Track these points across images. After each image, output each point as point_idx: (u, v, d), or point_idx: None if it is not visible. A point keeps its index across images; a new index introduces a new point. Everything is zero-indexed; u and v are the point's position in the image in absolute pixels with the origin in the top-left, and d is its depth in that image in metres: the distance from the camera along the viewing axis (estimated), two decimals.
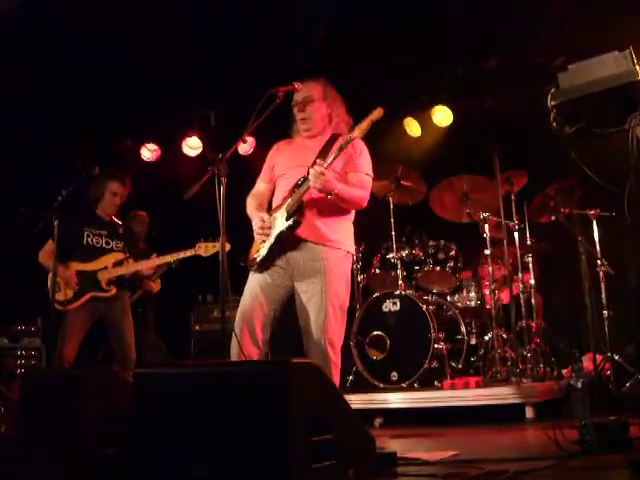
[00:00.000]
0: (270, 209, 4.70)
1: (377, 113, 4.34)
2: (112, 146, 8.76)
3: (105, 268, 6.39)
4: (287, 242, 4.47)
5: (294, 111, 4.75)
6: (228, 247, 5.66)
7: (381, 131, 4.48)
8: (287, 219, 4.42)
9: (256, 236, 4.60)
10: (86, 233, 6.45)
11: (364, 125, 4.34)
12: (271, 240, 4.48)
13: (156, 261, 6.50)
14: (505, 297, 7.00)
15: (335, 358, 4.41)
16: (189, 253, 6.34)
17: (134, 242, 6.75)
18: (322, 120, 4.72)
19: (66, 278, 6.27)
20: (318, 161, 4.36)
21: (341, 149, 4.37)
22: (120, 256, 6.49)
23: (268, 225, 4.52)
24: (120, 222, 6.68)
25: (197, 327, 8.11)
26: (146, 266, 6.53)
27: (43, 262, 6.37)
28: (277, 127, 4.88)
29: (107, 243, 6.51)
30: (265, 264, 4.52)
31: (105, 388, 3.71)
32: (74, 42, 7.02)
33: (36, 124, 7.87)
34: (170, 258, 6.46)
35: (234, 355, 4.36)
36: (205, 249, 6.24)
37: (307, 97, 4.68)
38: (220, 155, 4.29)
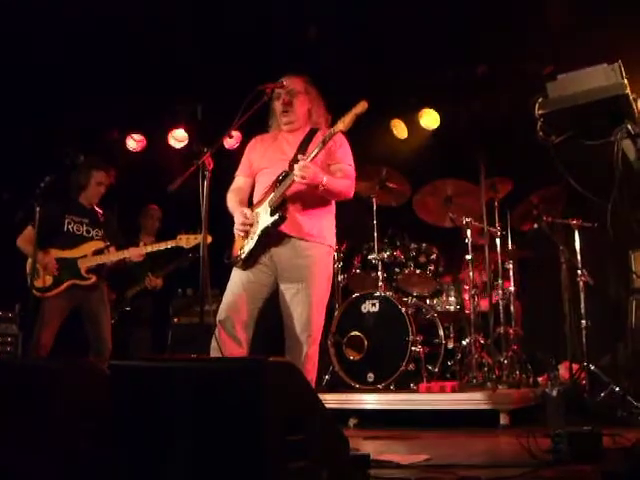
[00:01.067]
0: (251, 204, 4.68)
1: (361, 107, 4.32)
2: (98, 135, 8.71)
3: (85, 256, 6.37)
4: (271, 238, 4.47)
5: (275, 104, 4.73)
6: (209, 240, 5.67)
7: (367, 132, 4.47)
8: (271, 214, 4.41)
9: (236, 232, 4.58)
10: (67, 220, 6.43)
11: (347, 119, 4.32)
12: (255, 237, 4.47)
13: (141, 249, 6.48)
14: (485, 304, 7.01)
15: (314, 355, 4.42)
16: (170, 244, 6.35)
17: (115, 231, 6.73)
18: (303, 115, 4.72)
19: (46, 264, 6.25)
20: (300, 156, 4.36)
21: (324, 142, 4.36)
22: (100, 244, 6.47)
23: (250, 221, 4.51)
24: (101, 211, 6.66)
25: (175, 320, 8.08)
26: (131, 254, 6.49)
27: (21, 247, 6.35)
28: (264, 123, 4.88)
29: (87, 231, 6.49)
30: (249, 261, 4.51)
31: (79, 380, 3.69)
32: (62, 28, 6.98)
33: (21, 111, 7.82)
34: (153, 248, 6.45)
35: (214, 352, 4.35)
36: (186, 241, 6.25)
37: (290, 90, 4.67)
38: (205, 149, 4.28)
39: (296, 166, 4.30)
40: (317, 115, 4.74)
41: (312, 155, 4.37)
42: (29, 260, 6.23)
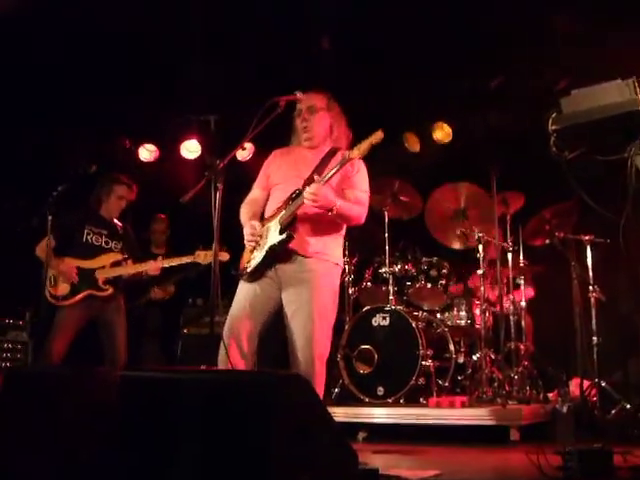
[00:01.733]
0: (263, 218, 4.69)
1: (377, 136, 4.31)
2: (111, 145, 8.73)
3: (103, 267, 6.41)
4: (278, 255, 4.46)
5: (296, 120, 4.75)
6: (227, 257, 5.71)
7: (380, 145, 4.45)
8: (280, 232, 4.41)
9: (246, 243, 4.59)
10: (86, 231, 6.49)
11: (363, 147, 4.32)
12: (263, 252, 4.46)
13: (158, 263, 6.51)
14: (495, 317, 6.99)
15: (320, 370, 4.39)
16: (188, 260, 6.39)
17: (133, 244, 6.79)
18: (324, 131, 4.71)
19: (65, 272, 6.30)
20: (315, 177, 4.36)
21: (341, 166, 4.36)
22: (118, 257, 6.53)
23: (259, 233, 4.51)
24: (120, 224, 6.71)
25: (185, 330, 8.08)
26: (148, 267, 6.51)
27: (40, 256, 6.37)
28: (277, 135, 4.88)
29: (106, 243, 6.54)
30: (255, 275, 4.51)
31: (89, 387, 3.69)
32: (77, 39, 7.00)
33: (36, 122, 7.86)
34: (170, 263, 6.49)
35: (221, 365, 4.34)
36: (204, 257, 6.28)
37: (311, 106, 4.68)
38: (217, 161, 4.28)
39: (308, 188, 4.30)
40: (338, 133, 4.72)
41: (326, 178, 4.37)
42: (48, 268, 6.28)
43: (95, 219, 6.60)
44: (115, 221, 6.69)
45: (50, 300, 6.29)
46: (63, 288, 6.35)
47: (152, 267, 6.50)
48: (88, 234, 6.49)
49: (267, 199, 4.77)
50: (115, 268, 6.46)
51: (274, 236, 4.44)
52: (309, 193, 4.25)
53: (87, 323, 6.45)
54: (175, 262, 6.48)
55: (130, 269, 6.51)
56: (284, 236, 4.37)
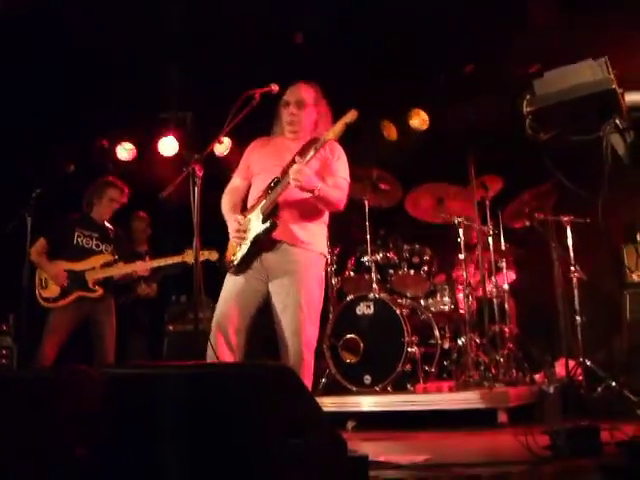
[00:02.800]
0: (245, 208, 4.69)
1: (351, 115, 4.34)
2: (88, 145, 8.70)
3: (93, 269, 6.43)
4: (263, 244, 4.47)
5: (281, 110, 4.75)
6: (215, 256, 5.74)
7: (358, 133, 4.47)
8: (263, 221, 4.42)
9: (232, 239, 4.59)
10: (77, 234, 6.53)
11: (337, 128, 4.34)
12: (247, 243, 4.48)
13: (148, 264, 6.52)
14: (478, 301, 7.02)
15: (309, 359, 4.42)
16: (176, 260, 6.40)
17: (124, 245, 6.81)
18: (310, 125, 4.73)
19: (55, 274, 6.32)
20: (297, 158, 4.36)
21: (316, 150, 4.36)
22: (109, 258, 6.56)
23: (244, 228, 4.52)
24: (111, 226, 6.72)
25: (170, 327, 8.07)
26: (138, 268, 6.53)
27: (34, 260, 6.36)
28: (254, 128, 4.88)
29: (97, 245, 6.58)
30: (242, 267, 4.52)
31: (75, 387, 3.68)
32: (51, 40, 6.98)
33: (11, 124, 7.81)
34: (159, 263, 6.49)
35: (209, 358, 4.35)
36: (192, 257, 6.27)
37: (300, 100, 4.69)
38: (195, 156, 4.28)
39: (291, 169, 4.31)
40: (323, 127, 4.72)
41: (307, 159, 4.37)
42: (38, 270, 6.40)
43: (86, 222, 6.63)
44: (106, 224, 6.71)
45: (41, 302, 6.33)
46: (53, 290, 6.39)
47: (141, 267, 6.53)
48: (79, 237, 6.53)
49: (248, 188, 4.77)
50: (105, 269, 6.49)
51: (257, 226, 4.45)
52: (293, 172, 4.26)
53: (78, 324, 6.45)
54: (164, 262, 6.50)
55: (120, 270, 6.54)
56: (267, 224, 4.38)
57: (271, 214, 4.42)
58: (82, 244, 6.53)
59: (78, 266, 6.45)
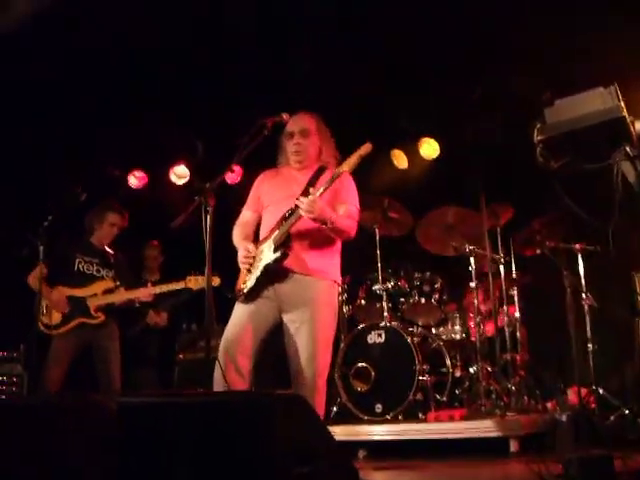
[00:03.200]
0: (257, 240, 4.71)
1: (365, 148, 4.38)
2: (100, 173, 8.74)
3: (95, 295, 6.42)
4: (274, 274, 4.48)
5: (285, 141, 4.79)
6: (217, 282, 5.71)
7: (368, 163, 4.49)
8: (274, 251, 4.43)
9: (241, 265, 4.61)
10: (78, 260, 6.52)
11: (352, 160, 4.38)
12: (257, 272, 4.49)
13: (150, 290, 6.51)
14: (490, 330, 7.00)
15: (322, 387, 4.43)
16: (179, 286, 6.40)
17: (124, 271, 6.79)
18: (314, 154, 4.76)
19: (56, 301, 6.31)
20: (311, 190, 4.40)
21: (332, 181, 4.40)
22: (110, 284, 6.54)
23: (252, 254, 4.54)
24: (112, 252, 6.72)
25: (181, 356, 8.06)
26: (140, 294, 6.52)
27: (32, 284, 6.37)
28: (265, 157, 4.90)
29: (98, 271, 6.56)
30: (252, 295, 4.53)
31: (86, 416, 3.68)
32: (63, 65, 7.02)
33: (23, 153, 7.87)
34: (161, 289, 6.49)
35: (217, 385, 4.35)
36: (195, 282, 6.30)
37: (304, 130, 4.73)
38: (207, 184, 4.30)
39: (304, 200, 4.33)
40: (327, 154, 4.79)
41: (320, 190, 4.40)
42: (40, 298, 6.29)
43: (86, 247, 6.63)
44: (106, 249, 6.71)
45: (43, 329, 6.30)
46: (55, 317, 6.36)
47: (144, 294, 6.52)
48: (80, 263, 6.52)
49: (258, 221, 4.80)
50: (107, 295, 6.48)
51: (268, 255, 4.46)
52: (307, 204, 4.28)
53: (81, 350, 6.44)
54: (166, 288, 6.49)
55: (122, 296, 6.52)
56: (278, 254, 4.40)
57: (283, 244, 4.44)
58: (83, 270, 6.53)
59: (79, 292, 6.45)
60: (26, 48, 6.66)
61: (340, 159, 4.71)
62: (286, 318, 4.50)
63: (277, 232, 4.50)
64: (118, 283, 6.58)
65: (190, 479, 2.82)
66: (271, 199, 4.73)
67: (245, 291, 4.54)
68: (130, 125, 7.92)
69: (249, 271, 4.57)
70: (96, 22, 6.53)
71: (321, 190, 4.40)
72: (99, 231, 6.66)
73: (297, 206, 4.41)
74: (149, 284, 6.66)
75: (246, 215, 4.87)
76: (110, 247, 6.77)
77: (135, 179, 9.08)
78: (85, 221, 6.71)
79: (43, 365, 6.28)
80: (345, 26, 6.76)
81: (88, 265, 6.54)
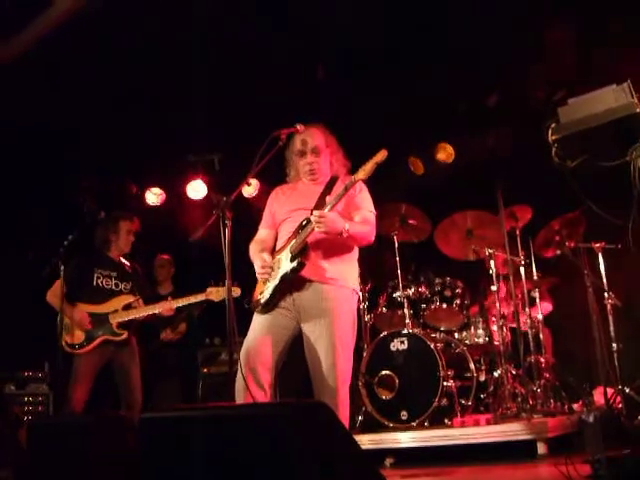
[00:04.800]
0: (274, 251, 4.72)
1: (381, 155, 4.36)
2: (117, 191, 8.79)
3: (116, 311, 6.42)
4: (292, 283, 4.48)
5: (296, 159, 4.79)
6: (238, 292, 5.73)
7: (385, 169, 4.49)
8: (291, 261, 4.43)
9: (258, 276, 4.61)
10: (96, 275, 6.51)
11: (368, 167, 4.36)
12: (275, 281, 4.49)
13: (172, 303, 6.50)
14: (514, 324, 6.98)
15: (345, 396, 4.40)
16: (200, 298, 6.39)
17: (142, 283, 6.80)
18: (326, 168, 4.77)
19: (79, 320, 6.31)
20: (327, 199, 4.41)
21: (346, 189, 4.41)
22: (130, 299, 6.54)
23: (269, 264, 4.54)
24: (129, 263, 6.74)
25: (205, 370, 8.07)
26: (162, 308, 6.52)
27: (51, 301, 6.38)
28: (281, 169, 4.92)
29: (116, 285, 6.56)
30: (269, 305, 4.53)
31: (113, 433, 3.69)
32: (79, 84, 7.07)
33: (40, 171, 7.92)
34: (182, 302, 6.49)
35: (239, 398, 4.35)
36: (216, 294, 6.30)
37: (315, 147, 4.74)
38: (224, 198, 4.31)
39: (314, 213, 4.34)
40: (338, 164, 4.81)
41: (331, 204, 4.42)
42: (61, 316, 6.31)
43: (104, 261, 6.61)
44: (123, 261, 6.71)
45: (66, 349, 6.30)
46: (78, 336, 6.35)
47: (165, 308, 6.50)
48: (98, 278, 6.51)
49: (275, 237, 4.80)
50: (128, 311, 6.47)
51: (286, 265, 4.46)
52: (315, 217, 4.29)
53: (103, 366, 6.44)
54: (187, 301, 6.48)
55: (143, 311, 6.51)
56: (295, 264, 4.39)
57: (300, 254, 4.43)
58: (102, 285, 6.51)
59: (101, 309, 6.43)
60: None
61: (350, 167, 4.76)
62: (305, 328, 4.49)
63: (293, 242, 4.50)
64: (137, 296, 6.58)
65: None
66: (286, 212, 4.73)
67: (262, 301, 4.54)
68: (146, 142, 7.96)
69: (266, 282, 4.57)
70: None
71: (332, 203, 4.42)
72: (117, 242, 6.64)
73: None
74: (169, 298, 6.64)
75: (262, 233, 4.87)
76: (127, 257, 6.77)
77: (153, 196, 9.11)
78: (98, 236, 6.67)
79: (67, 384, 6.28)
80: (358, 32, 6.76)
81: (107, 279, 6.54)
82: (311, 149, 4.74)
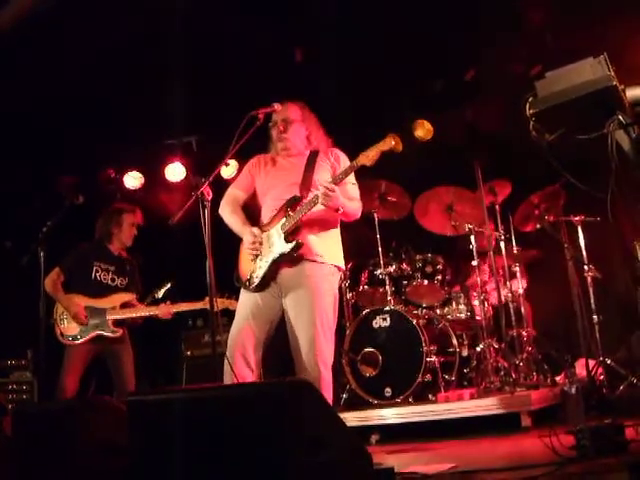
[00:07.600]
0: (252, 224, 4.71)
1: (387, 144, 4.38)
2: (95, 175, 8.74)
3: (114, 308, 6.39)
4: (283, 261, 4.49)
5: (272, 131, 4.80)
6: (235, 305, 5.71)
7: (364, 147, 4.48)
8: (287, 240, 4.44)
9: (247, 251, 4.60)
10: (95, 267, 6.48)
11: (372, 154, 4.38)
12: (270, 260, 4.49)
13: (170, 307, 6.47)
14: (494, 307, 7.02)
15: (326, 374, 4.41)
16: (199, 306, 6.36)
17: (137, 279, 6.76)
18: (301, 142, 4.80)
19: (75, 312, 6.28)
20: (327, 180, 4.43)
21: (346, 174, 4.48)
22: (128, 297, 6.51)
23: (260, 240, 4.54)
24: (128, 257, 6.71)
25: (188, 353, 8.07)
26: (160, 311, 6.48)
27: (50, 291, 6.32)
28: (259, 149, 4.91)
29: (112, 280, 6.53)
30: (262, 285, 4.54)
31: (99, 418, 3.69)
32: (57, 71, 7.01)
33: (17, 157, 7.86)
34: (181, 307, 6.47)
35: (227, 378, 4.36)
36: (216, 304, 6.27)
37: (286, 118, 4.76)
38: (203, 179, 4.30)
39: (320, 189, 4.36)
40: (317, 140, 4.83)
41: (338, 179, 4.47)
42: (57, 305, 6.38)
43: (103, 254, 6.57)
44: (122, 254, 6.68)
45: (60, 339, 6.31)
46: (72, 328, 6.33)
47: (163, 311, 6.46)
48: (97, 271, 6.47)
49: (247, 202, 4.81)
50: (125, 310, 6.44)
51: (280, 244, 4.47)
52: (326, 190, 4.32)
53: (95, 357, 6.43)
54: (186, 307, 6.46)
55: (141, 312, 6.48)
56: (293, 244, 4.42)
57: (293, 233, 4.45)
58: (100, 279, 6.46)
59: (98, 303, 6.41)
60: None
61: (332, 143, 4.83)
62: (286, 304, 4.51)
63: (285, 220, 4.50)
64: (134, 294, 6.56)
65: (203, 472, 2.82)
66: (269, 185, 4.73)
67: (256, 282, 4.54)
68: (124, 126, 7.91)
69: (255, 258, 4.57)
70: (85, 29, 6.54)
71: (336, 179, 4.46)
72: (119, 235, 6.60)
73: (302, 193, 4.47)
74: (168, 302, 6.59)
75: (237, 193, 4.86)
76: (128, 251, 6.76)
77: (132, 179, 9.04)
78: (98, 228, 6.66)
79: (53, 371, 6.26)
80: (337, 9, 6.73)
81: (104, 273, 6.50)
82: (282, 119, 4.76)
